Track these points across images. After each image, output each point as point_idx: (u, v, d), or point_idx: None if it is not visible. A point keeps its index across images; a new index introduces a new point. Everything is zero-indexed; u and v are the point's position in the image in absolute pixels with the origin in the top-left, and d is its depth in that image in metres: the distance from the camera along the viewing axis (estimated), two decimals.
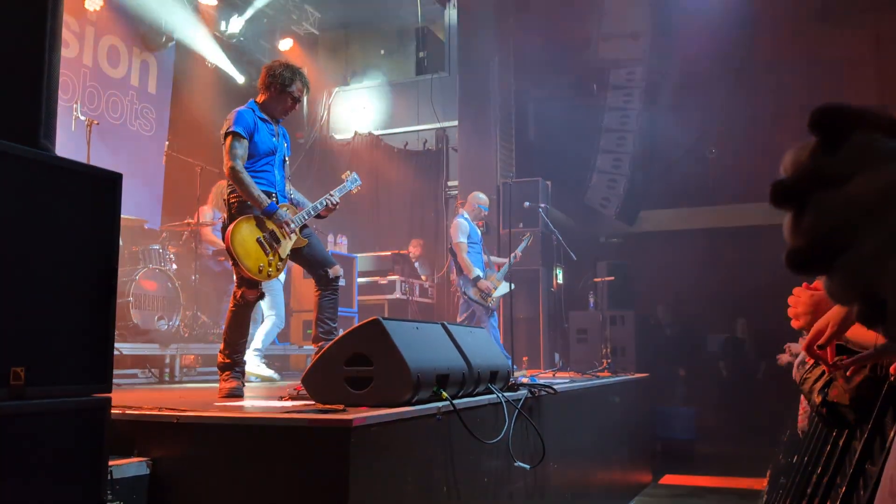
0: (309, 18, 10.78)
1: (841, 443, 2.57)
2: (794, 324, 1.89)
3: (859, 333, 1.66)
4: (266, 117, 4.30)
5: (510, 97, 10.12)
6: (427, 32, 11.06)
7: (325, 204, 4.47)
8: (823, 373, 2.16)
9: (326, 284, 4.40)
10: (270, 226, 4.17)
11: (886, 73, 9.38)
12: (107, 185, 2.09)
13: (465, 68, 10.00)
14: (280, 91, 4.28)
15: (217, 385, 4.25)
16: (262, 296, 4.30)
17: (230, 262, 4.23)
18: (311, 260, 4.42)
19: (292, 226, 4.23)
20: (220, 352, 4.19)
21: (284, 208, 4.24)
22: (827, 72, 9.23)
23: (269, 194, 4.18)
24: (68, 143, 6.65)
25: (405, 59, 11.41)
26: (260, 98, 4.34)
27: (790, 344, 5.17)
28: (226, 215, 4.23)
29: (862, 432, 2.29)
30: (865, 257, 0.42)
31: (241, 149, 4.10)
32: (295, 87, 4.31)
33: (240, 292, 4.17)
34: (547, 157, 10.10)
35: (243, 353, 4.25)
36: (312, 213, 4.42)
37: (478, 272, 7.18)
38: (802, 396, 4.82)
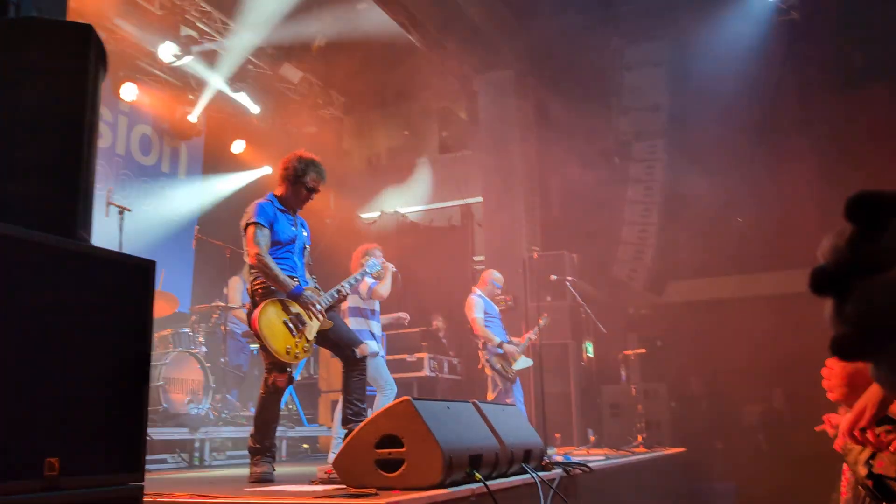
0: (334, 102, 11.07)
1: None
2: (830, 396, 1.85)
3: None
4: (284, 208, 4.42)
5: (533, 171, 10.23)
6: (449, 112, 11.28)
7: (347, 287, 4.56)
8: None
9: (354, 365, 4.40)
10: (296, 308, 4.23)
11: None
12: (140, 272, 2.12)
13: (488, 144, 10.16)
14: (294, 182, 4.41)
15: (245, 469, 4.21)
16: (291, 380, 4.32)
17: (258, 347, 4.25)
18: (337, 341, 4.44)
19: (318, 307, 4.28)
20: (251, 436, 4.20)
21: (309, 291, 4.31)
22: (855, 137, 9.24)
23: (291, 279, 4.26)
24: (101, 231, 6.80)
25: (429, 138, 11.62)
26: (278, 191, 4.48)
27: (829, 415, 5.03)
28: (250, 302, 4.30)
29: None
30: None
31: (264, 238, 4.22)
32: (309, 178, 4.43)
33: (271, 378, 4.19)
34: (572, 230, 10.12)
35: (273, 437, 4.23)
36: (336, 295, 4.48)
37: (500, 339, 7.11)
38: (845, 466, 4.66)
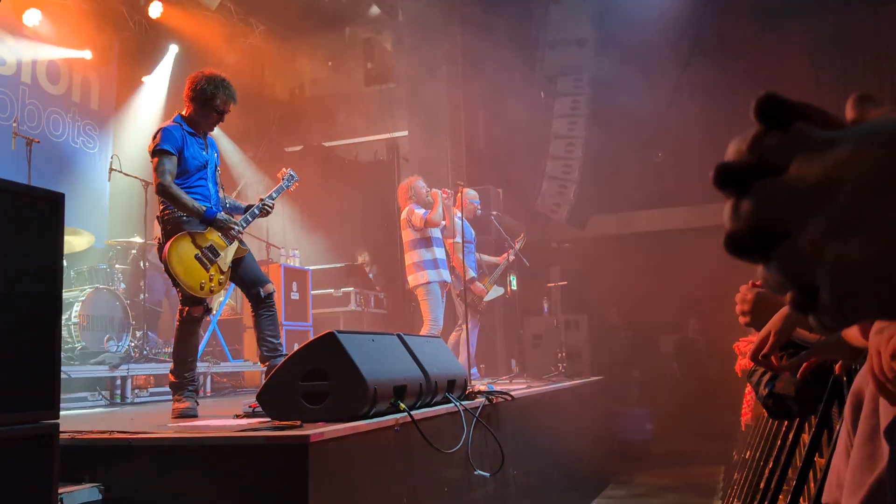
0: (254, 30, 10.69)
1: (791, 436, 2.64)
2: (742, 320, 1.94)
3: (804, 331, 1.71)
4: (193, 131, 4.19)
5: (459, 105, 10.17)
6: (374, 43, 11.05)
7: (261, 207, 4.39)
8: None
9: (261, 303, 4.28)
10: (209, 238, 4.10)
11: (822, 75, 9.68)
12: (49, 206, 2.04)
13: (413, 78, 10.02)
14: (203, 104, 4.17)
15: (168, 405, 4.17)
16: (208, 311, 4.25)
17: (171, 282, 4.13)
18: (244, 279, 4.31)
19: (236, 229, 4.16)
20: (171, 371, 4.13)
21: (223, 215, 4.15)
22: (767, 75, 9.49)
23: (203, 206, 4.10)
24: (9, 163, 6.49)
25: (353, 71, 11.38)
26: (185, 111, 4.23)
27: (739, 342, 5.27)
28: (161, 234, 4.15)
29: (810, 426, 2.35)
30: (802, 244, 0.42)
31: (171, 165, 4.01)
32: (219, 100, 4.19)
33: (185, 310, 4.10)
34: (497, 164, 10.17)
35: (193, 370, 4.16)
36: (251, 218, 4.33)
37: (472, 275, 7.11)
38: (748, 389, 4.92)
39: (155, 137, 4.07)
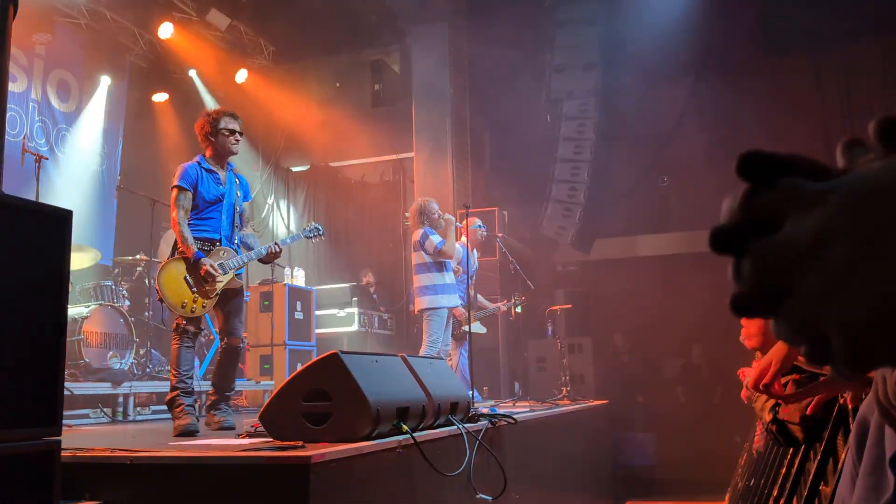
0: (264, 52, 10.79)
1: (796, 463, 2.61)
2: (748, 343, 1.93)
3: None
4: (212, 167, 4.57)
5: (465, 128, 10.22)
6: (382, 65, 11.13)
7: (268, 249, 4.67)
8: None
9: (225, 349, 4.60)
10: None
11: (827, 102, 9.70)
12: (57, 222, 2.05)
13: (421, 99, 10.08)
14: (213, 134, 4.55)
15: (170, 423, 4.20)
16: (199, 330, 4.51)
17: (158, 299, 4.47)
18: (223, 319, 4.58)
19: (220, 271, 4.43)
20: (170, 388, 4.32)
21: (224, 252, 4.49)
22: (772, 101, 9.51)
23: (212, 241, 4.48)
24: (17, 180, 6.53)
25: (361, 91, 11.46)
26: (206, 152, 4.61)
27: (744, 369, 5.24)
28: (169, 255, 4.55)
29: (815, 453, 2.33)
30: (806, 301, 0.43)
31: (185, 200, 4.42)
32: (223, 124, 4.57)
33: (182, 321, 4.38)
34: (503, 187, 10.19)
35: (189, 384, 4.36)
36: (254, 257, 4.64)
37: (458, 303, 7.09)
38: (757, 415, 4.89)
39: (175, 175, 4.49)
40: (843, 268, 0.42)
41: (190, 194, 4.43)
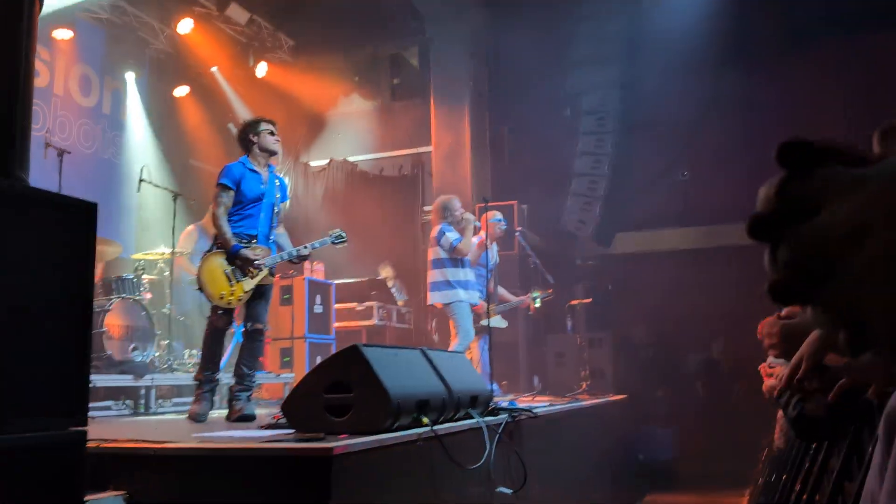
0: (283, 46, 10.81)
1: (819, 459, 2.59)
2: (771, 353, 1.92)
3: (834, 354, 1.69)
4: (255, 168, 4.85)
5: (485, 122, 10.19)
6: (401, 59, 11.12)
7: (298, 251, 4.96)
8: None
9: (247, 335, 4.82)
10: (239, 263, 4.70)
11: (851, 93, 9.58)
12: (82, 215, 2.07)
13: (440, 93, 10.07)
14: (256, 133, 4.88)
15: None
16: (230, 323, 4.81)
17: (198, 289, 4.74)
18: (249, 308, 4.81)
19: (257, 263, 4.68)
20: (196, 373, 4.68)
21: (259, 250, 4.72)
22: (795, 93, 9.41)
23: (250, 237, 4.73)
24: (40, 173, 6.59)
25: (380, 86, 11.46)
26: (248, 154, 4.93)
27: (763, 365, 5.18)
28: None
29: (839, 449, 2.31)
30: (844, 287, 0.42)
31: (227, 198, 4.69)
32: (262, 128, 4.91)
33: (214, 317, 4.66)
34: (522, 181, 10.16)
35: (214, 371, 4.67)
36: (286, 257, 4.92)
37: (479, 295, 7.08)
38: (779, 414, 4.85)
39: (220, 173, 4.80)
40: (883, 253, 0.41)
41: (232, 192, 4.69)
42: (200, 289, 4.63)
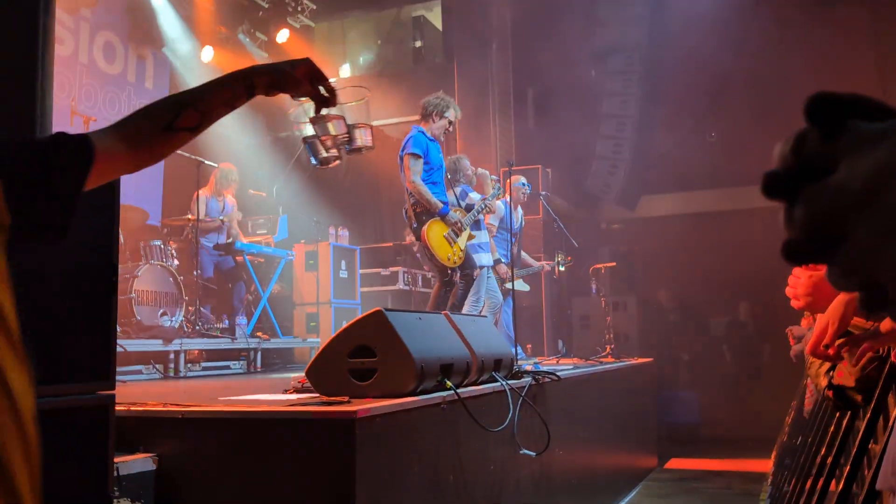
0: (305, 10, 10.74)
1: (845, 423, 2.58)
2: (795, 304, 1.89)
3: (860, 318, 1.66)
4: (433, 138, 5.38)
5: (508, 84, 10.09)
6: (424, 21, 11.01)
7: (483, 206, 5.76)
8: None
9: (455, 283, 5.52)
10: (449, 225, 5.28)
11: (881, 53, 9.35)
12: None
13: (463, 56, 9.97)
14: (440, 117, 5.40)
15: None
16: (452, 284, 5.47)
17: (426, 256, 5.42)
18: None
19: (463, 222, 5.31)
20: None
21: (455, 211, 5.35)
22: (823, 52, 9.20)
23: (442, 202, 5.28)
24: None
25: (402, 49, 11.37)
26: (424, 125, 5.42)
27: (791, 328, 5.15)
28: (413, 222, 5.37)
29: (865, 412, 2.29)
30: (860, 247, 0.41)
31: (418, 166, 5.17)
32: (451, 113, 5.45)
33: (445, 280, 5.40)
34: (547, 144, 10.08)
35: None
36: (476, 215, 5.62)
37: (502, 258, 7.01)
38: (807, 379, 4.82)
39: (406, 143, 5.28)
40: None
41: (422, 161, 5.17)
42: (430, 257, 5.21)
